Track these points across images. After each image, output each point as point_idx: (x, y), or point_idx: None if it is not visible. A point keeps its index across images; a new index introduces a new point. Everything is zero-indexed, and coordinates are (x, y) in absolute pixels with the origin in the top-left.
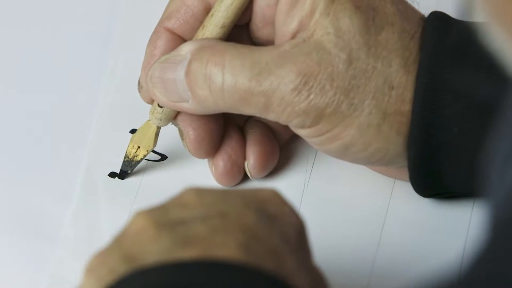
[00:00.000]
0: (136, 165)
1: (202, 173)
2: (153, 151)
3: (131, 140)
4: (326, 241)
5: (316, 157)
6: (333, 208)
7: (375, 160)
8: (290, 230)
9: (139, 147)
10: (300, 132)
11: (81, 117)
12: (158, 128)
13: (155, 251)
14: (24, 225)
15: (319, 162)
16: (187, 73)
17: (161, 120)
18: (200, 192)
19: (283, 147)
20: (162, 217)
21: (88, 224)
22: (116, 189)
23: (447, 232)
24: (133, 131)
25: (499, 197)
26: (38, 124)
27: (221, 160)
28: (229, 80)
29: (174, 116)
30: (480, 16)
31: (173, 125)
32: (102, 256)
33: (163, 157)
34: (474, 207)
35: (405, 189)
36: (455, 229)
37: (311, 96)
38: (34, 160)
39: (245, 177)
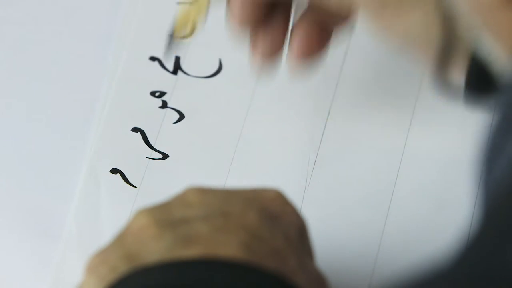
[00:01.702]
0: (187, 34)
1: (204, 172)
2: (155, 149)
3: (182, 5)
4: (327, 241)
5: (317, 156)
6: (334, 208)
7: (433, 52)
8: (292, 230)
9: (190, 14)
10: (363, 16)
11: (83, 114)
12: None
13: (157, 249)
14: (27, 223)
15: (320, 162)
16: None
17: None
18: (203, 191)
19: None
20: (164, 215)
21: (91, 221)
22: (119, 186)
23: (448, 234)
24: (135, 130)
25: (492, 185)
26: (40, 122)
27: (262, 39)
28: None
29: None
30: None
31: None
32: (103, 255)
33: (165, 156)
34: (476, 203)
35: (407, 189)
36: (457, 231)
37: None
38: (36, 158)
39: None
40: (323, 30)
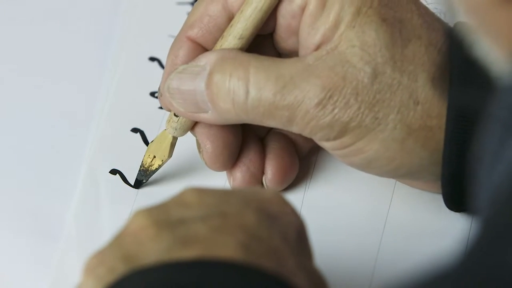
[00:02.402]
0: (152, 175)
1: (203, 173)
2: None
3: (147, 149)
4: (326, 243)
5: (317, 159)
6: (334, 210)
7: (400, 174)
8: (291, 230)
9: (154, 156)
10: (324, 144)
11: (82, 115)
12: (175, 138)
13: (155, 250)
14: (26, 223)
15: (320, 165)
16: (208, 85)
17: (176, 130)
18: (201, 192)
19: (302, 159)
20: (162, 216)
21: (90, 222)
22: (118, 187)
23: (448, 236)
24: (134, 130)
25: (489, 193)
26: (39, 123)
27: (239, 172)
28: (253, 94)
29: (191, 127)
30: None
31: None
32: (102, 255)
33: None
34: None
35: (406, 191)
36: (457, 233)
37: (336, 110)
38: (35, 159)
39: None
40: (293, 153)
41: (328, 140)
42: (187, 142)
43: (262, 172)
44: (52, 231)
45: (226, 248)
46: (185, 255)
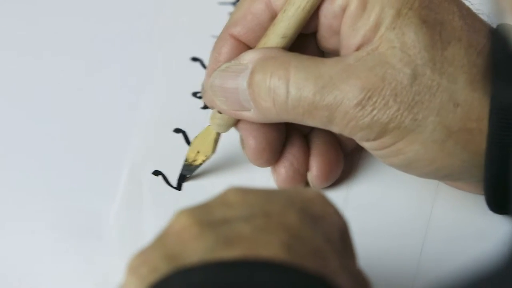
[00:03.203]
0: (195, 170)
1: (246, 173)
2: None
3: (191, 144)
4: (368, 243)
5: (360, 157)
6: (376, 209)
7: (441, 176)
8: (334, 230)
9: (198, 152)
10: (364, 144)
11: (126, 115)
12: (218, 134)
13: (198, 250)
14: (69, 224)
15: (363, 165)
16: (250, 84)
17: (220, 126)
18: (244, 192)
19: (347, 156)
20: (205, 216)
21: (132, 222)
22: (160, 187)
23: (492, 238)
24: (177, 131)
25: None
26: (83, 123)
27: (283, 168)
28: (293, 94)
29: (235, 123)
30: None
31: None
32: (144, 255)
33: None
34: None
35: (449, 191)
36: (500, 235)
37: (375, 111)
38: (79, 159)
39: (307, 185)
40: (338, 150)
41: (368, 140)
42: (228, 142)
43: (306, 169)
44: (95, 231)
45: (269, 248)
46: (228, 254)
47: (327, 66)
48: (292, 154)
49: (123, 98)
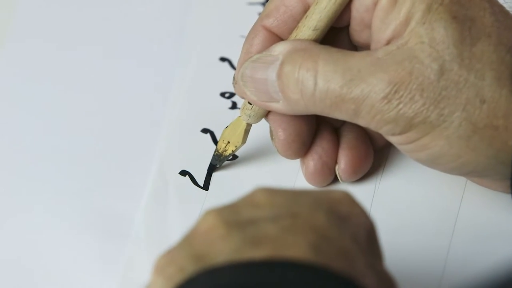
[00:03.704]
0: (225, 160)
1: (273, 173)
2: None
3: (221, 134)
4: (396, 243)
5: (387, 159)
6: (403, 210)
7: (466, 172)
8: (361, 231)
9: (229, 142)
10: (390, 138)
11: (153, 115)
12: (249, 125)
13: (225, 250)
14: (96, 223)
15: (389, 164)
16: (279, 75)
17: (250, 117)
18: (271, 192)
19: (377, 151)
20: (232, 216)
21: (159, 222)
22: (187, 187)
23: None
24: (204, 131)
25: None
26: (110, 123)
27: (311, 160)
28: (321, 86)
29: (265, 115)
30: None
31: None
32: (171, 255)
33: (234, 157)
34: None
35: (477, 189)
36: None
37: (401, 105)
38: (106, 159)
39: (336, 178)
40: (367, 144)
41: (393, 134)
42: (255, 142)
43: (335, 162)
44: (122, 231)
45: (296, 248)
46: (255, 255)
47: (356, 59)
48: (321, 147)
49: (152, 98)
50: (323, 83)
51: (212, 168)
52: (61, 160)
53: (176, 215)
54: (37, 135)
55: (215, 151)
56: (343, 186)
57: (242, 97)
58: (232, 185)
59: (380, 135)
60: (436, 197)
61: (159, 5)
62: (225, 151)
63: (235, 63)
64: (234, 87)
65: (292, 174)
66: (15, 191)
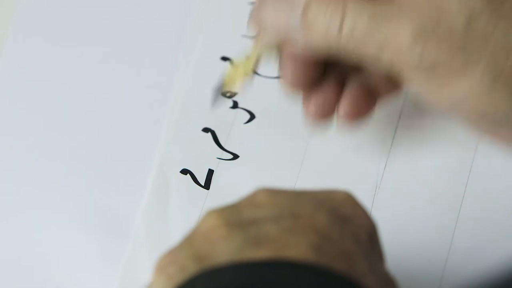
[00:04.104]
0: (233, 91)
1: (274, 173)
2: (225, 150)
3: (231, 63)
4: (397, 244)
5: (388, 159)
6: (404, 211)
7: (484, 120)
8: (362, 232)
9: (237, 72)
10: (411, 83)
11: (154, 114)
12: (261, 54)
13: (226, 250)
14: (96, 222)
15: (391, 165)
16: (304, 13)
17: (263, 47)
18: (273, 193)
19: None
20: (234, 216)
21: (159, 221)
22: (188, 187)
23: None
24: (205, 130)
25: None
26: (110, 121)
27: (313, 104)
28: (347, 27)
29: (278, 47)
30: None
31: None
32: (173, 255)
33: (235, 157)
34: None
35: (479, 190)
36: None
37: (425, 51)
38: (106, 158)
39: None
40: (371, 97)
41: (415, 79)
42: (257, 142)
43: (334, 109)
44: (122, 230)
45: (298, 248)
46: (256, 255)
47: (383, 3)
48: (325, 91)
49: (152, 97)
50: (349, 24)
51: (217, 93)
52: (61, 159)
53: (177, 214)
54: (37, 135)
55: (223, 81)
56: (345, 183)
57: (259, 27)
58: (233, 184)
59: (385, 88)
60: (438, 197)
61: (160, 4)
62: (234, 80)
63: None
64: (250, 18)
65: (293, 174)
66: (15, 191)
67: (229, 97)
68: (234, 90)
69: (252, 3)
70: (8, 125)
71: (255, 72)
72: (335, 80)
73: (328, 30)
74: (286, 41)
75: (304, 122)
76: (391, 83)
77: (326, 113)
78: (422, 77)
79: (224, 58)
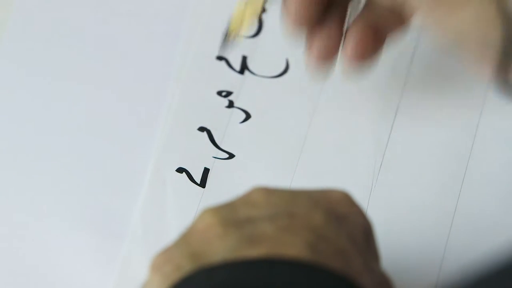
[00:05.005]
0: (240, 34)
1: (270, 172)
2: (221, 149)
3: (236, 6)
4: (393, 243)
5: (383, 158)
6: (400, 210)
7: (490, 50)
8: (358, 231)
9: (246, 10)
10: (417, 12)
11: (149, 113)
12: None
13: (222, 249)
14: (93, 221)
15: (386, 164)
16: None
17: None
18: (268, 192)
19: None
20: (229, 215)
21: (156, 219)
22: (184, 186)
23: None
24: (201, 129)
25: None
26: (106, 121)
27: (317, 41)
28: None
29: None
30: None
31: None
32: (168, 253)
33: (231, 156)
34: None
35: (474, 189)
36: None
37: None
38: (102, 157)
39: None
40: (377, 33)
41: (422, 8)
42: (252, 141)
43: (338, 48)
44: (119, 229)
45: (293, 247)
46: (252, 253)
47: None
48: (329, 28)
49: (148, 96)
50: None
51: (226, 37)
52: (58, 159)
53: (173, 212)
54: (33, 134)
55: (229, 25)
56: (341, 182)
57: None
58: (229, 183)
59: (390, 25)
60: (433, 196)
61: (156, 3)
62: (241, 23)
63: (232, 62)
64: None
65: (289, 173)
66: (12, 190)
67: (237, 37)
68: (241, 31)
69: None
70: (4, 126)
71: (263, 10)
72: (339, 16)
73: None
74: None
75: (307, 66)
76: (397, 17)
77: (330, 54)
78: (428, 4)
79: (220, 58)
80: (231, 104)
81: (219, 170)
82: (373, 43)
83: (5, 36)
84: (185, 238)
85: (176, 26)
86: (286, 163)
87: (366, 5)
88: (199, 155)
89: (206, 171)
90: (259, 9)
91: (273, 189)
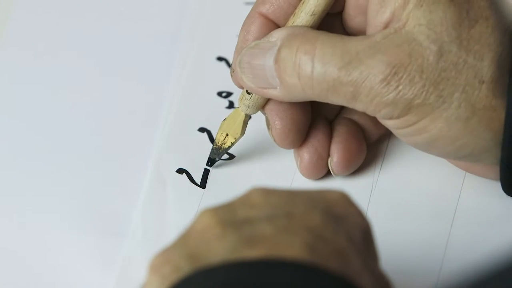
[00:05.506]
0: (224, 153)
1: (269, 172)
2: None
3: (220, 127)
4: (392, 243)
5: (384, 158)
6: (400, 211)
7: (462, 155)
8: (356, 231)
9: (227, 135)
10: (388, 123)
11: (150, 114)
12: (247, 116)
13: (220, 250)
14: (93, 222)
15: (387, 164)
16: (277, 60)
17: (249, 107)
18: (267, 192)
19: (371, 146)
20: (228, 216)
21: (156, 220)
22: (184, 186)
23: None
24: (201, 130)
25: None
26: (107, 122)
27: (306, 153)
28: (318, 69)
29: (263, 105)
30: None
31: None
32: (167, 254)
33: (231, 157)
34: None
35: (475, 189)
36: None
37: (400, 87)
38: (102, 158)
39: (328, 173)
40: (361, 138)
41: (391, 118)
42: (252, 142)
43: (327, 158)
44: (119, 229)
45: (292, 248)
46: (250, 254)
47: (354, 42)
48: (317, 140)
49: (149, 97)
50: (320, 65)
51: (212, 162)
52: (58, 159)
53: (173, 213)
54: (33, 134)
55: (213, 145)
56: (341, 183)
57: (240, 87)
58: (229, 183)
59: (374, 129)
60: (433, 196)
61: (156, 4)
62: (223, 144)
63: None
64: (231, 76)
65: (288, 174)
66: (12, 191)
67: (223, 152)
68: (227, 145)
69: (247, 3)
70: (5, 127)
71: (242, 134)
72: (324, 123)
73: (300, 72)
74: (265, 94)
75: (298, 174)
76: (377, 123)
77: (321, 161)
78: (398, 114)
79: (220, 58)
80: (231, 105)
81: (219, 171)
82: (357, 150)
83: (5, 36)
84: (184, 239)
85: (176, 26)
86: (286, 164)
87: (348, 112)
88: (199, 155)
89: (206, 171)
90: (240, 134)
91: (272, 189)
